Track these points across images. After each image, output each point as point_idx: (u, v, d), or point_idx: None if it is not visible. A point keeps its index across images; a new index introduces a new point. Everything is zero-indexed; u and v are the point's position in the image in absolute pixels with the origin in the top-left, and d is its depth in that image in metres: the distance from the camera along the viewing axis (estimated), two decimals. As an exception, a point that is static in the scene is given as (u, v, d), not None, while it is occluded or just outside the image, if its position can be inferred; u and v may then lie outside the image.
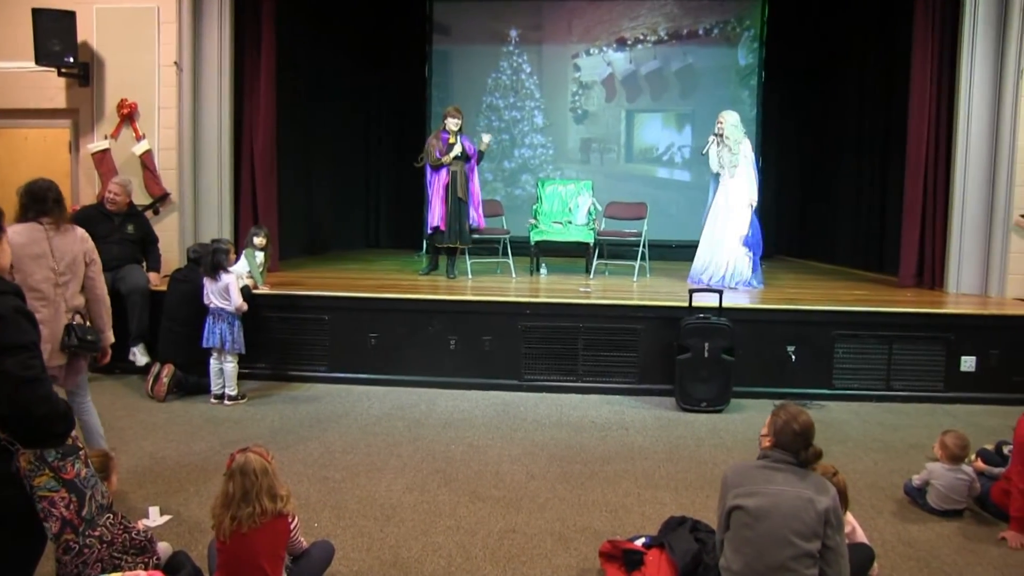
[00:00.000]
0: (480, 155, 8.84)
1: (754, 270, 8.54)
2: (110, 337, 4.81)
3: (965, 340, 7.09)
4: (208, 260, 6.62)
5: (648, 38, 12.02)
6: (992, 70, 7.99)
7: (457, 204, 8.66)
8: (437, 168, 8.67)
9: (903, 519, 4.65)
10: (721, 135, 8.25)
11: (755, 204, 8.40)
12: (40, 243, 4.42)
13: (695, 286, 7.71)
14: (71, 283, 4.54)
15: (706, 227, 8.57)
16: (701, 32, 11.96)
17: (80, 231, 4.66)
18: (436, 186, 8.70)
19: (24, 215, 4.44)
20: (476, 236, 9.10)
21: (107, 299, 4.80)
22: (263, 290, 7.42)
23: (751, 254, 8.47)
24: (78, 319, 4.57)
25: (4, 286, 2.71)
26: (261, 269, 7.47)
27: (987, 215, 8.09)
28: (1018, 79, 7.83)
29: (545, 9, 12.15)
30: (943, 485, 4.67)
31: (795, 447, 3.29)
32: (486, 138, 8.84)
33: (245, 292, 6.93)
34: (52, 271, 4.44)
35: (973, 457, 5.06)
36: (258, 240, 7.44)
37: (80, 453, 3.19)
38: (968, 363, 7.08)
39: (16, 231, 4.29)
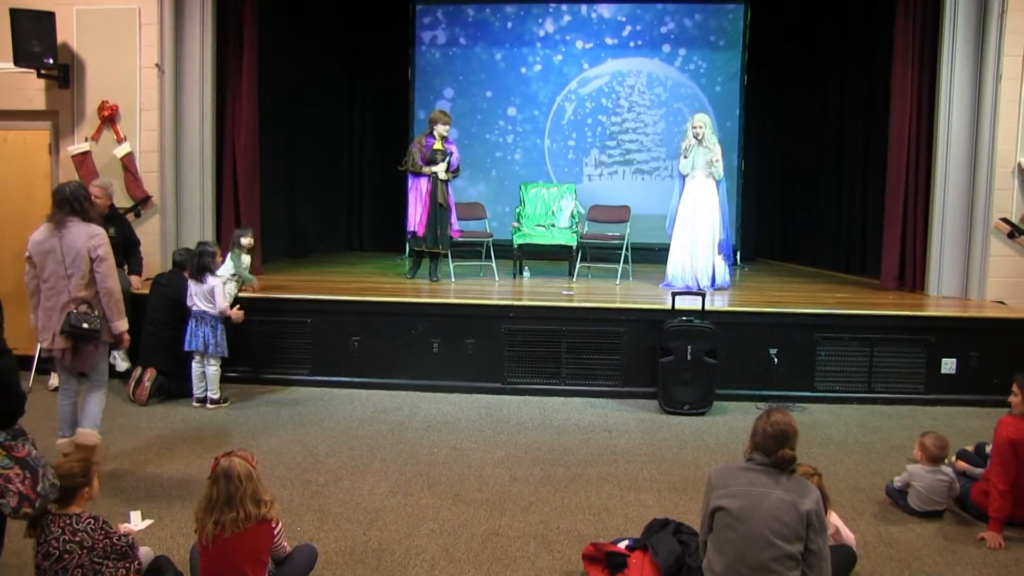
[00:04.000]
0: (456, 170, 8.86)
1: (729, 272, 8.62)
2: (120, 326, 5.11)
3: (945, 343, 7.14)
4: (194, 262, 6.60)
5: (632, 43, 12.04)
6: (972, 75, 8.05)
7: (437, 210, 8.66)
8: (418, 174, 8.67)
9: (884, 520, 4.68)
10: (700, 138, 8.24)
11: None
12: (51, 240, 4.90)
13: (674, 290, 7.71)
14: (75, 276, 4.91)
15: (677, 231, 8.50)
16: (684, 37, 11.98)
17: (91, 228, 4.97)
18: (418, 191, 8.70)
19: (50, 215, 4.97)
20: (461, 239, 9.12)
21: (117, 291, 5.07)
22: (249, 292, 7.36)
23: (726, 258, 8.51)
24: (83, 308, 4.94)
25: None
26: (247, 269, 7.45)
27: (967, 218, 8.15)
28: (997, 84, 7.90)
29: (530, 14, 12.15)
30: (923, 487, 4.71)
31: (769, 449, 3.31)
32: (439, 170, 8.66)
33: (236, 301, 6.92)
34: (60, 265, 4.89)
35: (954, 458, 5.09)
36: (245, 241, 7.40)
37: (28, 437, 3.36)
38: (948, 365, 7.13)
39: (38, 230, 4.97)
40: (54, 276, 4.91)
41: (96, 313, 5.00)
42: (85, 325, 4.92)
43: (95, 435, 5.20)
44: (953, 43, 8.06)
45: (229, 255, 7.34)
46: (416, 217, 8.70)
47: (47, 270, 4.91)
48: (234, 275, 7.28)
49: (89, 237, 4.93)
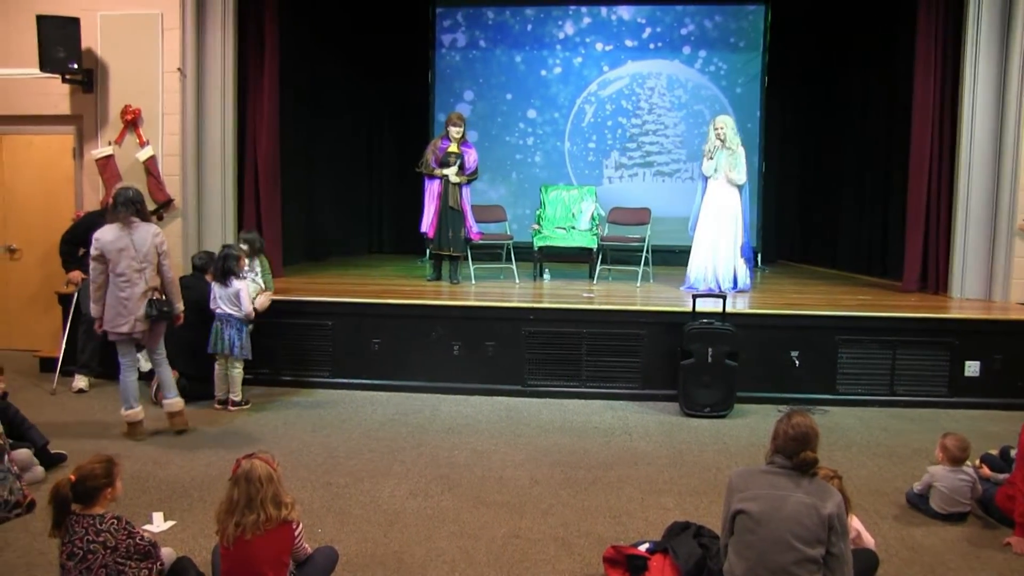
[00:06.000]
0: (474, 173, 8.87)
1: (750, 275, 8.59)
2: (180, 307, 6.05)
3: (969, 345, 7.08)
4: (219, 265, 6.63)
5: (652, 44, 12.02)
6: (996, 74, 7.99)
7: (448, 212, 8.70)
8: (432, 176, 8.71)
9: (907, 524, 4.65)
10: (724, 139, 8.21)
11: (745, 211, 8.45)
12: (123, 239, 5.67)
13: (695, 292, 7.67)
14: (147, 269, 5.75)
15: (699, 233, 8.48)
16: (704, 38, 11.95)
17: (154, 228, 5.84)
18: (430, 193, 8.76)
19: (113, 216, 5.72)
20: (481, 242, 9.13)
21: (176, 279, 6.03)
22: (265, 298, 7.33)
23: (747, 260, 8.49)
24: (156, 295, 5.81)
25: None
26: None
27: (991, 219, 8.08)
28: (1021, 84, 7.83)
29: (550, 16, 12.15)
30: (946, 487, 4.67)
31: (790, 452, 3.29)
32: (450, 173, 8.71)
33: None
34: (133, 260, 5.68)
35: (978, 463, 5.05)
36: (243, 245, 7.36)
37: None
38: (972, 368, 7.07)
39: (106, 230, 5.68)
40: (129, 270, 5.67)
41: (164, 298, 5.90)
42: (165, 309, 5.86)
43: (181, 400, 6.14)
44: (977, 43, 8.00)
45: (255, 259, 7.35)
46: (428, 219, 8.77)
47: (121, 265, 5.66)
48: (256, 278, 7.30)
49: (154, 235, 5.79)
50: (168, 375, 6.12)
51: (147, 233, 5.75)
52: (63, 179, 8.44)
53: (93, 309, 5.82)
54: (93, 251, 5.68)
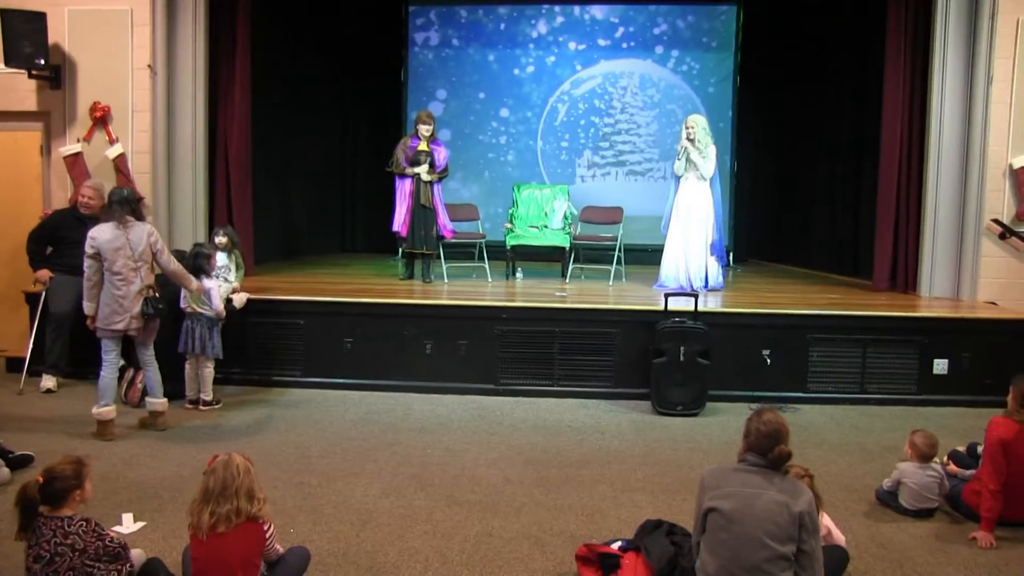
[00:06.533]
0: (444, 170, 8.87)
1: (722, 273, 8.65)
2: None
3: (937, 343, 7.16)
4: (190, 263, 6.57)
5: (624, 44, 12.05)
6: (963, 76, 8.09)
7: (421, 211, 8.69)
8: (403, 175, 8.69)
9: (877, 520, 4.70)
10: (692, 139, 8.26)
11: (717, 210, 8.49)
12: (120, 238, 5.79)
13: (667, 291, 7.70)
14: (143, 267, 5.89)
15: (671, 232, 8.53)
16: (676, 38, 12.00)
17: (148, 227, 5.99)
18: (402, 192, 8.75)
19: (107, 215, 5.87)
20: (454, 240, 9.13)
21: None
22: (243, 296, 7.25)
23: (719, 259, 8.54)
24: (152, 293, 5.97)
25: None
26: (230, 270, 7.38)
27: (959, 219, 8.18)
28: (988, 85, 7.93)
29: (523, 15, 12.15)
30: (915, 483, 4.72)
31: (763, 448, 3.31)
32: (421, 171, 8.69)
33: (228, 306, 6.89)
34: (129, 259, 5.81)
35: (945, 460, 5.11)
36: (218, 239, 7.30)
37: None
38: (940, 366, 7.15)
39: (102, 229, 5.79)
40: (125, 268, 5.80)
41: (159, 295, 6.05)
42: (161, 306, 6.00)
43: (165, 401, 6.23)
44: (945, 45, 8.09)
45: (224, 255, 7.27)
46: (400, 218, 8.76)
47: (118, 264, 5.78)
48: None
49: (148, 234, 5.93)
50: (155, 375, 6.18)
51: (142, 232, 5.89)
52: (30, 177, 8.32)
53: (87, 307, 5.89)
54: (89, 249, 5.76)
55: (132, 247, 5.82)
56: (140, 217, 5.99)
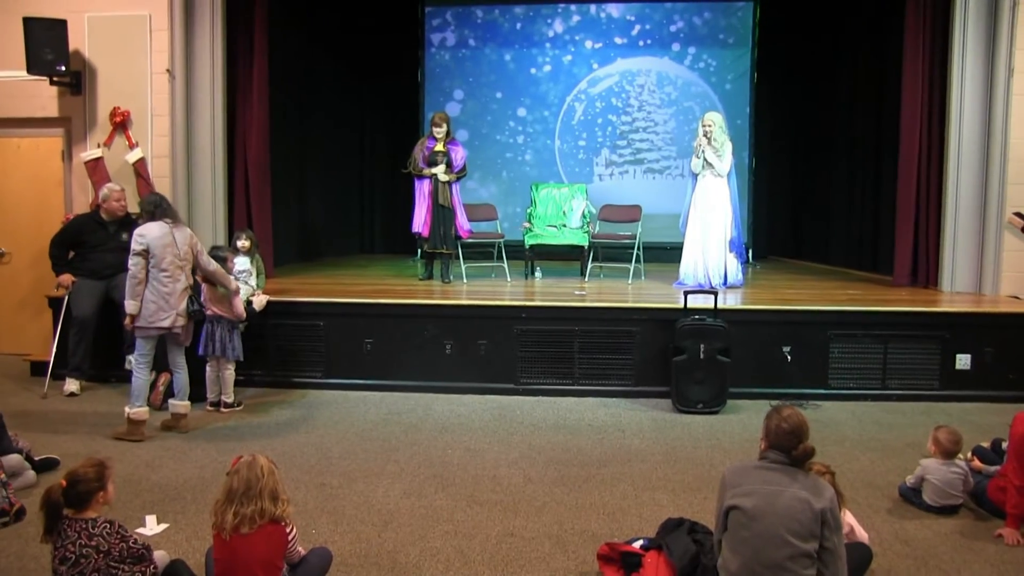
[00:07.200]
0: (462, 170, 8.88)
1: (741, 270, 8.61)
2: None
3: (960, 338, 7.10)
4: None
5: (641, 42, 12.03)
6: (983, 69, 8.02)
7: (440, 211, 8.71)
8: (421, 176, 8.71)
9: (900, 517, 4.66)
10: (710, 137, 8.23)
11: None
12: (168, 236, 5.99)
13: (686, 289, 7.68)
14: (186, 267, 6.11)
15: (690, 229, 8.51)
16: (693, 35, 11.97)
17: (187, 229, 6.25)
18: (421, 193, 8.78)
19: (151, 216, 6.01)
20: (472, 240, 9.15)
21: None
22: (263, 298, 7.29)
23: (738, 256, 8.50)
24: (190, 293, 6.16)
25: None
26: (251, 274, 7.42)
27: (980, 213, 8.11)
28: (1009, 77, 7.86)
29: (539, 14, 12.15)
30: (938, 480, 4.68)
31: (786, 446, 3.30)
32: (438, 171, 8.73)
33: (248, 309, 6.92)
34: (176, 256, 6.02)
35: (969, 455, 5.07)
36: (241, 243, 7.37)
37: None
38: (963, 361, 7.10)
39: (151, 227, 5.95)
40: (172, 266, 5.98)
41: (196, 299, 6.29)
42: (197, 307, 6.25)
43: (188, 404, 6.31)
44: (964, 38, 8.02)
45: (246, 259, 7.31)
46: (420, 218, 8.79)
47: (166, 261, 5.95)
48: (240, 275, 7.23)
49: (190, 236, 6.20)
50: (185, 378, 6.29)
51: (186, 233, 6.16)
52: (52, 182, 8.41)
53: (131, 305, 5.94)
54: (137, 247, 5.88)
55: (178, 245, 6.02)
56: (180, 221, 6.25)
